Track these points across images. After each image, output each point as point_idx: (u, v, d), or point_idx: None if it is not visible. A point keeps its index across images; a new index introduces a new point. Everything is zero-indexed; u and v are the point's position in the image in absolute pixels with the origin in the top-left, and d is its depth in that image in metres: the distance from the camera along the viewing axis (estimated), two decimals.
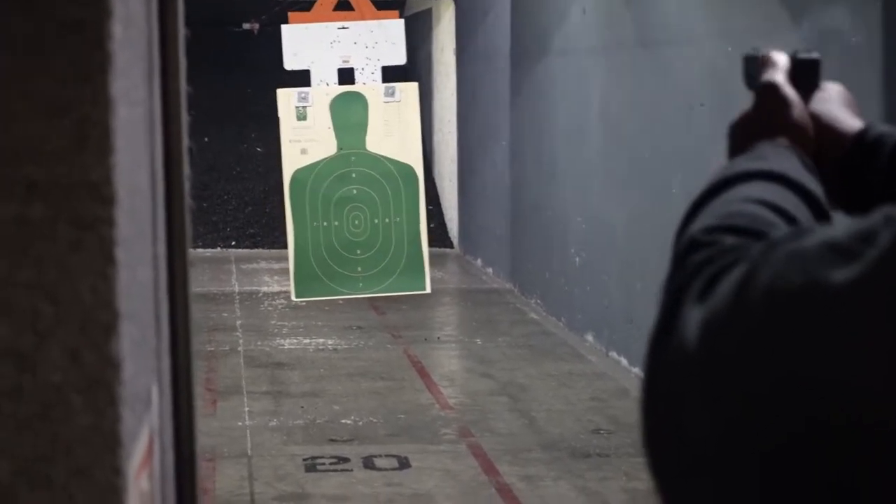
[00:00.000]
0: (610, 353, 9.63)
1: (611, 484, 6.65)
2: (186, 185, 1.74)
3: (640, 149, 9.12)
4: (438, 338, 10.48)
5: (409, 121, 12.07)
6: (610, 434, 7.56)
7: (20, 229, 1.19)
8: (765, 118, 1.33)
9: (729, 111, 1.48)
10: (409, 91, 12.13)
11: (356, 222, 11.99)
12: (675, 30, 8.52)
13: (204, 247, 15.16)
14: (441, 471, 6.90)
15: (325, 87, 12.06)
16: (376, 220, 12.01)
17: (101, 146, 1.20)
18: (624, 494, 6.49)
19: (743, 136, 1.31)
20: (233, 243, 15.31)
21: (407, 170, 12.05)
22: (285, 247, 11.97)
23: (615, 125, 9.65)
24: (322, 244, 11.88)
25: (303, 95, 11.96)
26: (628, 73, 9.38)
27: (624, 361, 9.31)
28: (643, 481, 6.55)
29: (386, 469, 6.93)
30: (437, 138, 16.32)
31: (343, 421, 7.87)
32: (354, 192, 11.98)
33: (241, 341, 10.19)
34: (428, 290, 11.89)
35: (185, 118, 1.73)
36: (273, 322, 11.03)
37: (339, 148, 11.97)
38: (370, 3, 12.34)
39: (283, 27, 12.17)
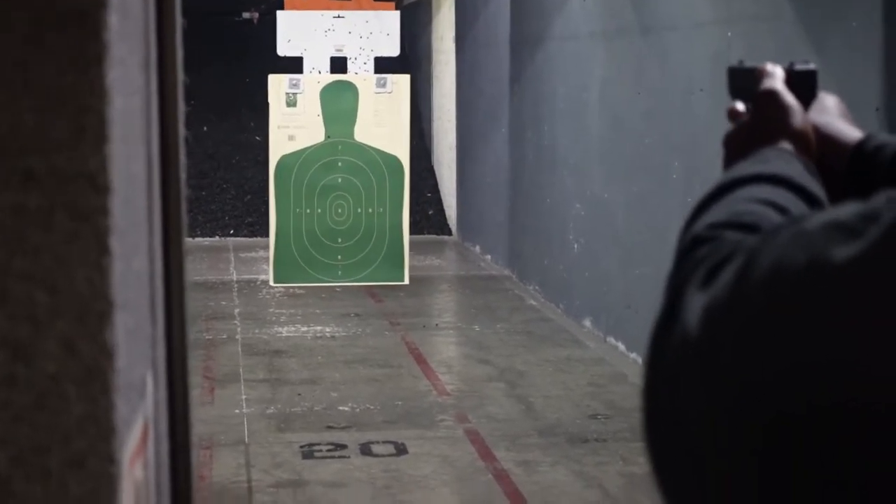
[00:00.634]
0: (608, 339, 9.64)
1: (608, 469, 6.67)
2: (183, 175, 1.75)
3: (639, 135, 9.12)
4: (436, 324, 10.49)
5: (400, 112, 12.07)
6: (607, 419, 7.57)
7: (16, 219, 1.20)
8: (766, 125, 1.33)
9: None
10: (401, 83, 12.13)
11: (339, 211, 12.01)
12: (676, 15, 8.51)
13: (202, 235, 15.16)
14: (438, 457, 6.91)
15: (316, 75, 12.05)
16: (359, 210, 12.03)
17: (98, 136, 1.20)
18: (621, 479, 6.51)
19: (742, 144, 1.31)
20: (231, 232, 15.32)
21: (393, 161, 12.06)
22: None
23: (615, 111, 9.65)
24: (304, 231, 11.90)
25: (294, 82, 11.95)
26: (628, 59, 9.38)
27: (622, 347, 9.32)
28: (640, 466, 6.56)
29: (383, 455, 6.94)
30: (437, 125, 16.32)
31: (340, 408, 7.89)
32: (339, 180, 11.99)
33: (238, 329, 10.19)
34: (406, 281, 11.92)
35: (181, 108, 1.73)
36: (271, 310, 11.04)
37: (327, 136, 11.97)
38: None
39: (279, 13, 12.17)
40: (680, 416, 0.92)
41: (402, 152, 12.12)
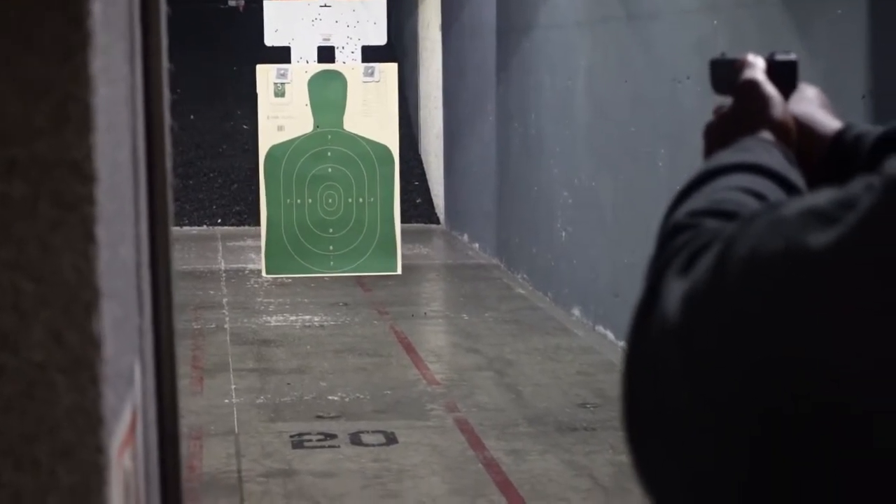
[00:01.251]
0: (596, 327, 9.65)
1: (597, 457, 6.68)
2: (168, 164, 1.74)
3: (626, 123, 9.12)
4: (425, 313, 10.49)
5: (388, 101, 12.06)
6: (596, 408, 7.58)
7: (0, 208, 1.19)
8: (746, 115, 1.33)
9: None
10: (388, 72, 12.11)
11: (330, 201, 11.99)
12: (661, 3, 8.51)
13: (190, 224, 15.14)
14: (428, 446, 6.92)
15: (304, 65, 12.04)
16: (350, 200, 12.02)
17: (82, 124, 1.20)
18: (610, 467, 6.52)
19: (722, 134, 1.32)
20: (219, 221, 15.30)
21: (383, 150, 12.05)
22: None
23: (602, 99, 9.65)
24: (295, 221, 11.89)
25: (281, 72, 11.94)
26: (614, 47, 9.38)
27: (610, 335, 9.32)
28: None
29: (373, 445, 6.94)
30: (423, 114, 16.31)
31: (330, 397, 7.89)
32: (329, 170, 11.98)
33: (227, 319, 10.19)
34: (399, 271, 11.92)
35: (166, 96, 1.73)
36: (259, 299, 11.03)
37: (316, 126, 11.95)
38: None
39: (266, 2, 12.15)
40: (659, 402, 0.92)
41: (392, 141, 12.11)
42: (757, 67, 1.38)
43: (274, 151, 11.91)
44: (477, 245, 13.58)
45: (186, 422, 7.23)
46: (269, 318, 10.26)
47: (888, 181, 0.85)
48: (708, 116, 1.39)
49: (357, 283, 11.69)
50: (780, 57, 1.40)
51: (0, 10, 1.19)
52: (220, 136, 16.24)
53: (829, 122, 1.36)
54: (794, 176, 1.20)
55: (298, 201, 11.99)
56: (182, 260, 12.72)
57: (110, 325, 1.27)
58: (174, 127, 1.85)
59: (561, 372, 8.48)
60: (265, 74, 11.96)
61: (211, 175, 15.77)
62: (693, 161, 1.30)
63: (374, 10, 12.27)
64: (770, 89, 1.35)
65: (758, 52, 1.44)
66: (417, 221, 15.49)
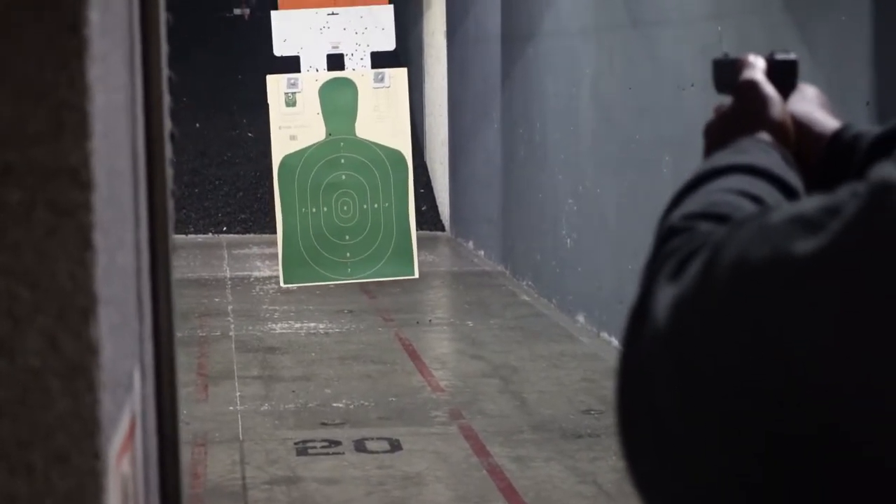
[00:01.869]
0: (601, 334, 9.64)
1: (601, 464, 6.67)
2: (168, 171, 1.75)
3: (631, 130, 9.12)
4: (430, 321, 10.49)
5: (399, 106, 12.06)
6: (601, 414, 7.58)
7: None
8: (745, 115, 1.33)
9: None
10: (398, 77, 12.12)
11: (345, 208, 11.99)
12: (666, 10, 8.51)
13: (196, 232, 15.15)
14: (432, 453, 6.92)
15: (314, 73, 12.04)
16: (365, 206, 12.01)
17: (79, 131, 1.21)
18: (615, 474, 6.51)
19: (721, 134, 1.32)
20: (224, 229, 15.31)
21: (396, 155, 12.04)
22: (276, 232, 11.98)
23: (606, 107, 9.65)
24: (311, 230, 11.89)
25: (292, 81, 11.95)
26: (619, 55, 9.38)
27: (615, 342, 9.32)
28: None
29: (377, 452, 6.94)
30: (429, 122, 16.32)
31: (334, 404, 7.89)
32: (343, 177, 11.98)
33: (232, 326, 10.19)
34: (416, 275, 11.91)
35: (166, 104, 1.73)
36: (264, 307, 11.04)
37: (329, 134, 11.96)
38: None
39: (273, 13, 12.15)
40: (651, 407, 0.92)
41: (404, 146, 12.11)
42: (757, 67, 1.38)
43: (287, 161, 11.91)
44: (482, 252, 13.59)
45: (191, 429, 7.24)
46: (274, 325, 10.26)
47: (872, 188, 0.85)
48: None
49: (362, 291, 11.69)
50: (780, 56, 1.40)
51: None
52: (226, 145, 16.25)
53: (828, 122, 1.36)
54: (792, 177, 1.20)
55: (314, 210, 11.99)
56: (187, 268, 12.73)
57: (108, 331, 1.27)
58: (175, 134, 1.86)
59: (565, 379, 8.48)
60: (276, 84, 11.97)
61: (216, 183, 15.78)
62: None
63: (381, 17, 12.27)
64: (769, 89, 1.35)
65: (756, 54, 1.44)
66: (423, 229, 15.48)
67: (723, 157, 1.21)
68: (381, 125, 12.02)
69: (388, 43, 12.28)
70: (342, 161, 12.00)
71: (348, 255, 11.99)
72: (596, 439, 7.10)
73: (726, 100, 1.40)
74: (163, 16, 1.73)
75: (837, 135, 1.34)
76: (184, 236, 14.78)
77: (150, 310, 1.66)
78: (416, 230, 15.20)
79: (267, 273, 12.54)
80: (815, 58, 6.37)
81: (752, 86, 1.35)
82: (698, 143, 1.38)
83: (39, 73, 1.19)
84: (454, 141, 14.83)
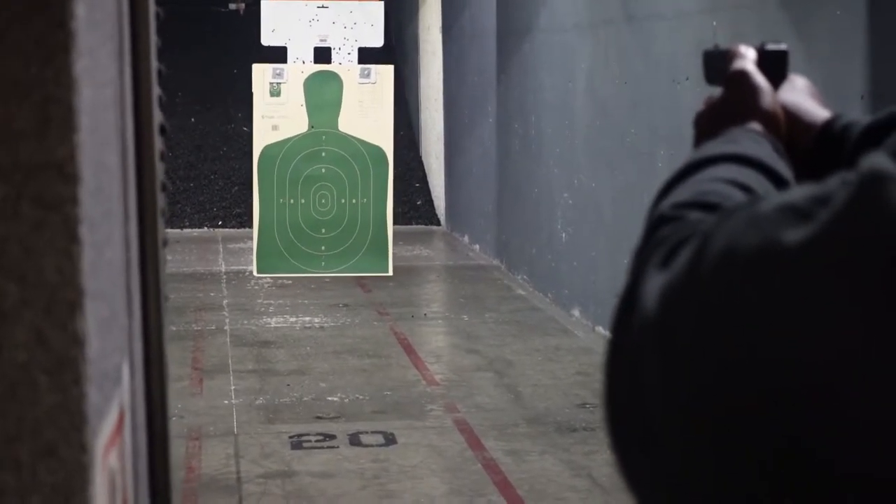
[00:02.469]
0: (596, 328, 9.65)
1: (596, 457, 6.68)
2: (159, 164, 1.75)
3: (626, 124, 9.12)
4: (425, 314, 10.49)
5: (384, 103, 12.05)
6: (595, 408, 7.58)
7: None
8: (735, 105, 1.33)
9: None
10: (384, 74, 12.11)
11: (323, 201, 11.99)
12: (661, 5, 8.51)
13: (191, 227, 15.15)
14: (427, 446, 6.92)
15: (300, 65, 12.03)
16: (343, 200, 12.01)
17: (65, 126, 1.21)
18: (609, 468, 6.52)
19: (712, 124, 1.32)
20: (219, 223, 15.31)
21: (377, 152, 12.04)
22: None
23: (601, 101, 9.65)
24: (287, 221, 11.89)
25: (277, 71, 11.93)
26: (614, 49, 9.38)
27: None
28: None
29: (372, 445, 6.95)
30: (424, 116, 16.31)
31: (329, 398, 7.89)
32: (323, 170, 11.98)
33: (227, 320, 10.19)
34: (390, 272, 11.91)
35: (156, 98, 1.73)
36: (259, 301, 11.04)
37: (311, 126, 11.95)
38: None
39: (263, 3, 12.14)
40: (638, 396, 0.92)
41: (387, 143, 12.11)
42: (747, 58, 1.38)
43: (268, 151, 11.91)
44: (477, 246, 13.59)
45: (186, 422, 7.24)
46: (269, 319, 10.26)
47: (862, 178, 0.85)
48: None
49: (357, 284, 11.70)
50: (771, 47, 1.40)
51: None
52: (221, 139, 16.24)
53: (818, 112, 1.36)
54: (782, 167, 1.20)
55: (291, 201, 11.99)
56: (183, 262, 12.73)
57: (95, 325, 1.28)
58: (166, 127, 1.86)
59: (560, 372, 8.48)
60: (261, 74, 11.96)
61: (211, 177, 15.78)
62: None
63: (371, 12, 12.26)
64: (759, 79, 1.35)
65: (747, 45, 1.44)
66: (418, 223, 15.49)
67: (713, 147, 1.21)
68: (364, 121, 12.01)
69: (377, 39, 12.26)
70: (323, 154, 12.00)
71: (323, 248, 12.00)
72: (591, 433, 7.10)
73: (717, 91, 1.40)
74: (152, 9, 1.73)
75: (828, 124, 1.34)
76: (179, 231, 14.78)
77: (139, 304, 1.67)
78: (412, 224, 15.25)
79: (253, 265, 12.53)
80: (810, 51, 6.37)
81: (743, 75, 1.35)
82: (693, 136, 1.38)
83: (25, 67, 1.19)
84: (449, 135, 14.83)
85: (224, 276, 12.22)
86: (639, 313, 0.93)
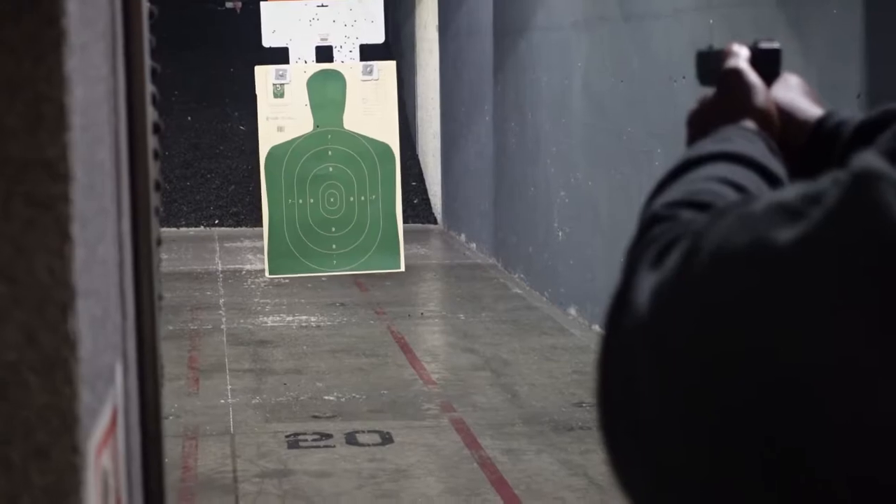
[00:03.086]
0: (593, 327, 9.64)
1: (593, 457, 6.67)
2: (152, 162, 1.74)
3: (622, 122, 9.12)
4: (422, 313, 10.48)
5: (387, 99, 12.05)
6: (592, 407, 7.54)
7: None
8: (729, 103, 1.33)
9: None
10: (387, 70, 12.11)
11: (331, 200, 11.99)
12: (658, 3, 8.51)
13: (187, 225, 15.14)
14: (424, 446, 6.91)
15: (302, 65, 12.03)
16: (352, 198, 12.01)
17: (56, 124, 1.20)
18: (605, 467, 6.50)
19: (705, 122, 1.31)
20: (216, 221, 15.29)
21: (384, 148, 12.04)
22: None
23: (598, 99, 9.65)
24: (297, 221, 11.89)
25: (280, 73, 11.94)
26: (611, 48, 9.37)
27: None
28: None
29: (369, 445, 6.94)
30: (421, 114, 16.30)
31: (326, 397, 7.88)
32: (330, 169, 11.98)
33: (224, 319, 10.18)
34: (402, 268, 11.91)
35: (149, 96, 1.73)
36: (256, 300, 11.03)
37: (316, 125, 11.95)
38: None
39: (263, 4, 12.15)
40: (631, 395, 0.92)
41: (392, 139, 12.11)
42: (740, 56, 1.38)
43: (274, 152, 11.91)
44: (474, 245, 13.58)
45: (182, 422, 7.23)
46: (265, 318, 10.25)
47: (853, 176, 0.85)
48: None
49: (354, 283, 11.69)
50: (764, 45, 1.40)
51: None
52: (218, 138, 16.23)
53: (812, 110, 1.36)
54: (776, 165, 1.19)
55: (300, 201, 11.99)
56: (179, 261, 12.71)
57: (87, 325, 1.27)
58: (160, 125, 1.85)
59: (557, 371, 8.48)
60: (264, 75, 11.96)
61: (208, 176, 15.76)
62: None
63: (370, 9, 12.26)
64: (753, 77, 1.35)
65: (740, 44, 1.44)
66: (415, 221, 15.48)
67: (706, 146, 1.21)
68: (369, 118, 12.01)
69: (378, 35, 12.27)
70: (329, 153, 12.00)
71: (334, 247, 11.99)
72: (587, 432, 7.10)
73: (710, 91, 1.39)
74: (146, 7, 1.72)
75: (821, 122, 1.34)
76: (175, 229, 14.77)
77: (132, 303, 1.66)
78: (408, 223, 15.25)
79: (258, 266, 12.52)
80: (806, 50, 6.37)
81: (736, 74, 1.35)
82: (686, 135, 1.37)
83: (17, 65, 1.18)
84: (446, 134, 14.82)
85: (220, 275, 12.21)
86: (631, 313, 0.93)
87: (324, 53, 12.18)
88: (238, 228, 15.01)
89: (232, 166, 15.82)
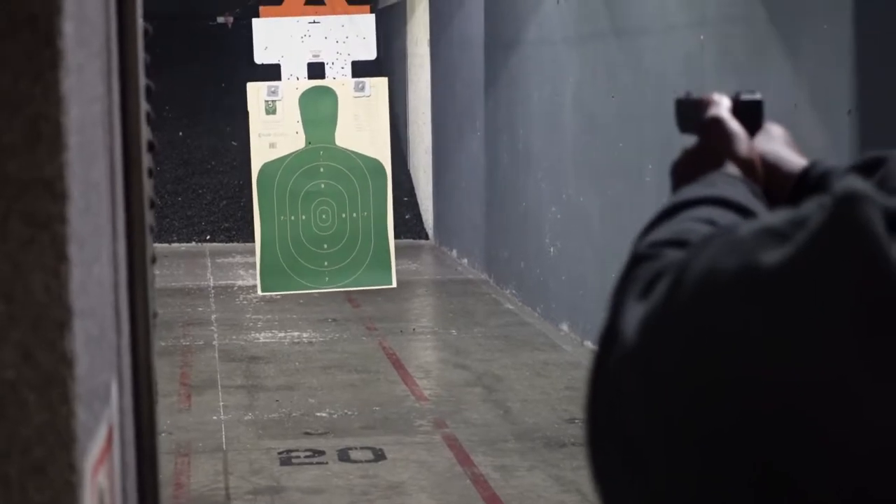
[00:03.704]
0: (585, 343, 9.65)
1: (585, 473, 6.63)
2: (147, 181, 1.74)
3: (614, 138, 9.14)
4: (413, 329, 10.48)
5: (379, 116, 12.06)
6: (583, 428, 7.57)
7: None
8: (711, 152, 1.34)
9: None
10: (379, 86, 12.12)
11: (323, 216, 11.99)
12: (649, 19, 8.53)
13: (179, 241, 15.14)
14: (416, 462, 6.91)
15: (294, 82, 12.05)
16: (343, 215, 12.01)
17: (54, 143, 1.20)
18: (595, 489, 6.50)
19: (688, 171, 1.32)
20: (208, 237, 15.29)
21: (375, 165, 12.05)
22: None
23: (589, 114, 9.66)
24: (289, 238, 11.89)
25: (272, 89, 11.95)
26: (602, 63, 9.39)
27: None
28: None
29: (361, 461, 6.93)
30: (412, 129, 16.32)
31: (318, 414, 7.88)
32: (322, 186, 11.99)
33: (215, 335, 10.18)
34: (394, 284, 11.90)
35: (144, 114, 1.73)
36: (248, 316, 11.02)
37: (308, 142, 11.97)
38: None
39: (255, 21, 12.16)
40: (618, 423, 0.93)
41: (384, 156, 12.12)
42: (722, 105, 1.39)
43: (266, 169, 11.91)
44: (465, 260, 13.59)
45: (174, 438, 7.22)
46: (257, 334, 10.25)
47: (837, 199, 0.86)
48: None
49: (346, 299, 11.69)
50: (746, 97, 1.40)
51: None
52: (209, 153, 16.24)
53: (796, 160, 1.37)
54: (759, 209, 1.20)
55: (292, 218, 11.98)
56: (171, 276, 12.71)
57: (84, 344, 1.27)
58: (154, 144, 1.86)
59: (549, 387, 8.48)
60: (256, 92, 11.97)
61: (200, 192, 15.77)
62: None
63: (362, 26, 12.27)
64: (735, 126, 1.36)
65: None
66: (406, 237, 15.49)
67: (691, 191, 1.22)
68: (360, 134, 12.02)
69: (369, 52, 12.28)
70: (321, 170, 12.00)
71: (326, 263, 11.99)
72: (579, 448, 7.09)
73: (693, 141, 1.40)
74: (140, 26, 1.73)
75: (806, 172, 1.35)
76: (167, 245, 14.76)
77: (128, 322, 1.66)
78: (400, 238, 15.24)
79: (250, 282, 12.51)
80: (796, 66, 6.39)
81: (718, 122, 1.35)
82: (670, 184, 1.38)
83: (14, 84, 1.19)
84: (438, 149, 14.84)
85: (212, 291, 12.20)
86: (619, 342, 0.94)
87: (316, 70, 12.19)
88: (230, 244, 15.00)
89: (223, 182, 15.82)
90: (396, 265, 13.29)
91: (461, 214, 13.78)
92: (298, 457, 7.02)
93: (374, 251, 12.03)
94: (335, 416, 7.83)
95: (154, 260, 1.83)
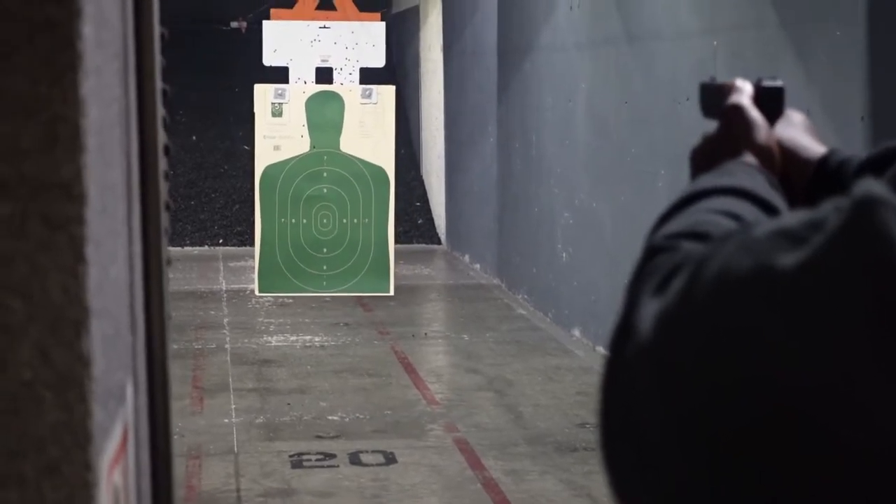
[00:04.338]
0: (597, 348, 9.65)
1: (596, 478, 6.67)
2: (162, 184, 1.76)
3: (626, 144, 9.14)
4: (426, 334, 10.49)
5: (385, 123, 12.07)
6: (596, 428, 7.56)
7: None
8: (731, 139, 1.34)
9: None
10: (386, 94, 12.13)
11: (324, 221, 12.02)
12: (662, 25, 8.53)
13: (191, 245, 15.15)
14: (427, 466, 6.92)
15: (302, 85, 12.06)
16: (344, 220, 12.04)
17: (72, 145, 1.21)
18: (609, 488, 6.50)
19: (707, 158, 1.32)
20: (220, 241, 15.31)
21: (379, 172, 12.07)
22: None
23: (602, 120, 9.67)
24: (289, 240, 11.91)
25: (279, 92, 11.96)
26: (615, 69, 9.40)
27: None
28: None
29: (372, 465, 6.94)
30: (425, 135, 16.33)
31: (329, 417, 7.89)
32: (325, 190, 12.01)
33: (228, 339, 10.19)
34: (391, 292, 11.92)
35: (160, 117, 1.74)
36: (260, 319, 11.04)
37: (313, 146, 11.98)
38: (353, 4, 12.34)
39: (265, 23, 12.18)
40: (633, 421, 0.93)
41: (388, 164, 12.13)
42: (744, 92, 1.39)
43: (270, 171, 11.93)
44: (478, 265, 13.59)
45: (186, 441, 7.24)
46: (269, 338, 10.26)
47: (855, 202, 0.86)
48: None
49: (358, 304, 11.70)
50: (767, 83, 1.41)
51: None
52: (222, 157, 16.26)
53: (815, 148, 1.37)
54: (777, 200, 1.20)
55: (293, 221, 12.01)
56: (183, 280, 12.73)
57: (100, 344, 1.28)
58: (169, 146, 1.87)
59: (561, 392, 8.48)
60: (263, 94, 11.98)
61: (213, 195, 15.79)
62: None
63: (373, 33, 12.29)
64: (755, 114, 1.36)
65: (756, 74, 1.45)
66: (419, 242, 15.50)
67: (708, 180, 1.22)
68: (365, 141, 12.04)
69: (378, 59, 12.29)
70: (324, 174, 12.03)
71: (325, 267, 12.02)
72: (591, 453, 7.10)
73: (712, 125, 1.41)
74: (157, 29, 1.74)
75: (824, 160, 1.35)
76: (180, 248, 14.78)
77: (143, 322, 1.67)
78: (413, 243, 15.26)
79: (255, 284, 12.53)
80: (809, 72, 6.39)
81: (738, 110, 1.36)
82: (689, 171, 1.39)
83: (33, 87, 1.20)
84: (450, 154, 14.85)
85: (225, 295, 12.22)
86: (633, 338, 0.94)
87: (324, 75, 12.21)
88: (242, 248, 15.02)
89: (236, 186, 15.84)
90: (409, 270, 13.33)
91: (473, 219, 13.78)
92: (309, 460, 7.03)
93: (373, 258, 12.05)
94: (346, 419, 7.84)
95: (169, 262, 1.85)
